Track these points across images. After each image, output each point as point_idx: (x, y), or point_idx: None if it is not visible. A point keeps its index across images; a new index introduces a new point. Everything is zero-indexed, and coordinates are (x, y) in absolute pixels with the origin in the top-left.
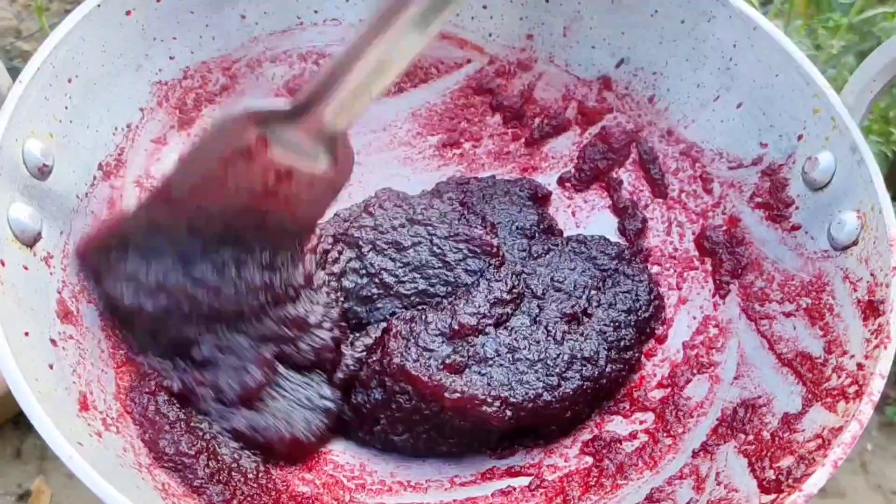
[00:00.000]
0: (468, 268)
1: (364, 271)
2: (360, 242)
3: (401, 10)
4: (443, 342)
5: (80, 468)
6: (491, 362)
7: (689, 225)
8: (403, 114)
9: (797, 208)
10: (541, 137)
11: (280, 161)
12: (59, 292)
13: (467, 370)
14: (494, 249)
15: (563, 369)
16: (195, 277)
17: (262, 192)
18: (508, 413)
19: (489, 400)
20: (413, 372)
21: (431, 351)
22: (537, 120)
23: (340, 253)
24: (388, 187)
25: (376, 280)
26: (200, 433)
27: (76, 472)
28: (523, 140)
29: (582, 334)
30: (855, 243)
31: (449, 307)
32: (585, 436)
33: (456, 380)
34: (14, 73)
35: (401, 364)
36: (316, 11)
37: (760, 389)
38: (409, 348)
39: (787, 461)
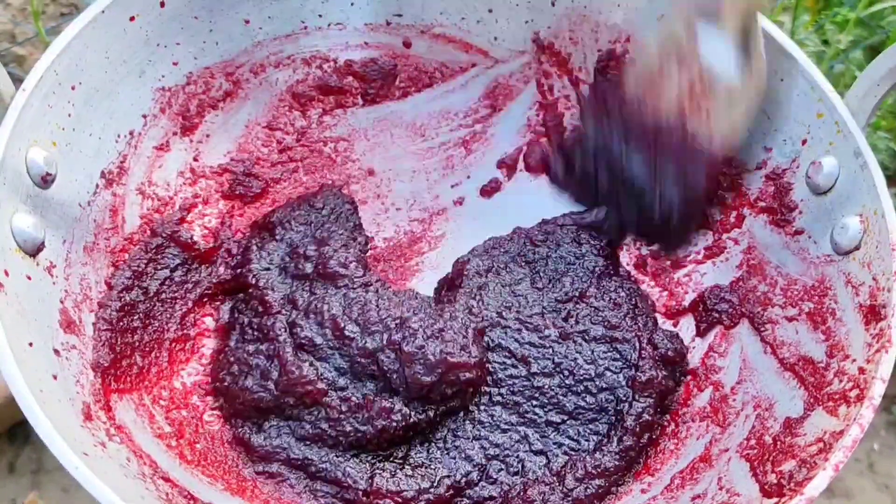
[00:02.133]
0: None
1: None
2: None
3: None
4: None
5: (87, 479)
6: None
7: None
8: (408, 117)
9: (801, 213)
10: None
11: (705, 64)
12: (62, 302)
13: None
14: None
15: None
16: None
17: (688, 103)
18: None
19: None
20: None
21: None
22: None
23: None
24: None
25: None
26: None
27: (83, 483)
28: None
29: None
30: (857, 248)
31: None
32: None
33: None
34: (9, 77)
35: None
36: (320, 15)
37: (763, 394)
38: None
39: (788, 465)
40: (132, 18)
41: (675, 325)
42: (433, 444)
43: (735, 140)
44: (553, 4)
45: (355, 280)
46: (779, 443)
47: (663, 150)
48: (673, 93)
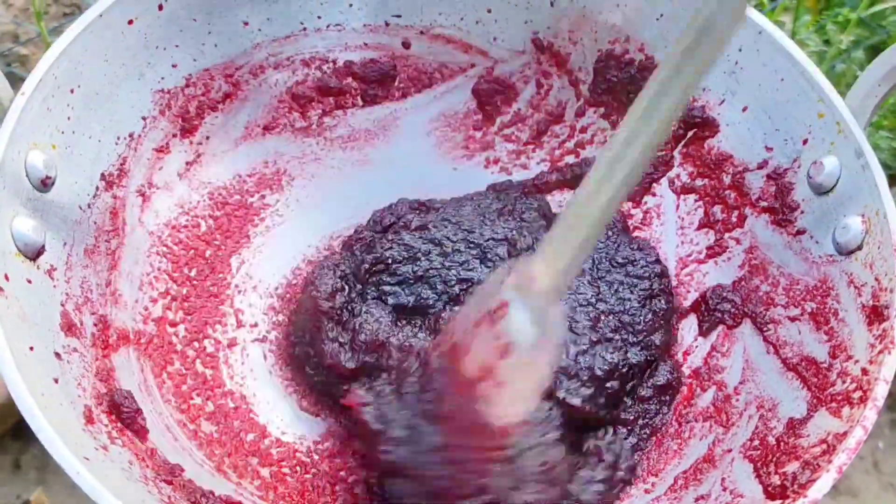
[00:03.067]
0: None
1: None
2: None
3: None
4: None
5: (88, 483)
6: None
7: None
8: (408, 118)
9: (802, 213)
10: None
11: (509, 331)
12: (63, 305)
13: None
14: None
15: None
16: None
17: (485, 367)
18: None
19: None
20: None
21: None
22: (546, 124)
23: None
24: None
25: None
26: None
27: (84, 488)
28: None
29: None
30: (859, 248)
31: None
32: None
33: None
34: (12, 77)
35: None
36: (319, 17)
37: (766, 394)
38: None
39: (792, 466)
40: (131, 21)
41: (677, 324)
42: None
43: (516, 419)
44: (552, 5)
45: None
46: (782, 444)
47: (451, 426)
48: (476, 362)
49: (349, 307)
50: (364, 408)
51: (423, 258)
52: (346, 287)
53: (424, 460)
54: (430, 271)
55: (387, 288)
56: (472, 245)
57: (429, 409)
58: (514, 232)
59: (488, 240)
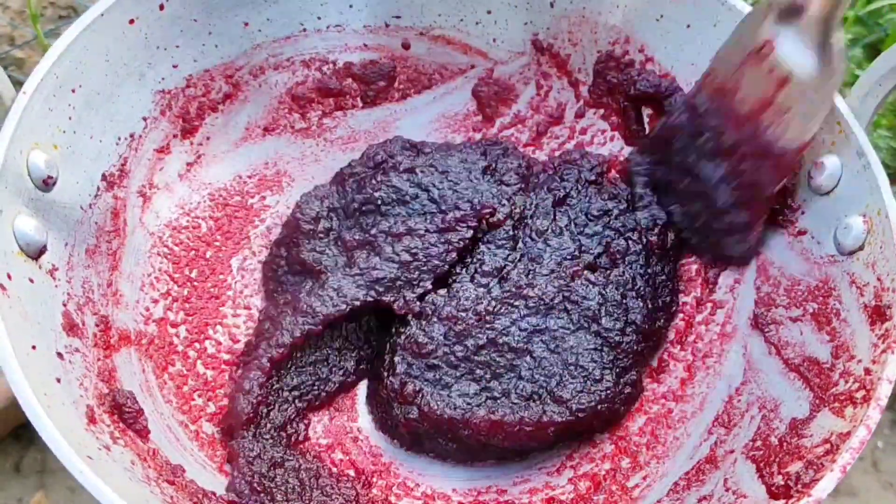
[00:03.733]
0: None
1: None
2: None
3: None
4: (459, 365)
5: (91, 483)
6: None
7: None
8: (407, 119)
9: (803, 213)
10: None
11: (782, 64)
12: (65, 305)
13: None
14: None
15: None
16: None
17: (763, 100)
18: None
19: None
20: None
21: (449, 387)
22: (546, 125)
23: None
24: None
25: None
26: None
27: (87, 487)
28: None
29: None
30: (861, 248)
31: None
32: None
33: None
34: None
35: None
36: (319, 18)
37: (768, 395)
38: (427, 395)
39: (795, 466)
40: (132, 21)
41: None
42: None
43: (810, 137)
44: (552, 6)
45: None
46: (785, 444)
47: (738, 155)
48: (750, 97)
49: (333, 236)
50: None
51: (411, 201)
52: (332, 218)
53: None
54: (416, 217)
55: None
56: (458, 195)
57: (709, 147)
58: (495, 199)
59: (467, 201)
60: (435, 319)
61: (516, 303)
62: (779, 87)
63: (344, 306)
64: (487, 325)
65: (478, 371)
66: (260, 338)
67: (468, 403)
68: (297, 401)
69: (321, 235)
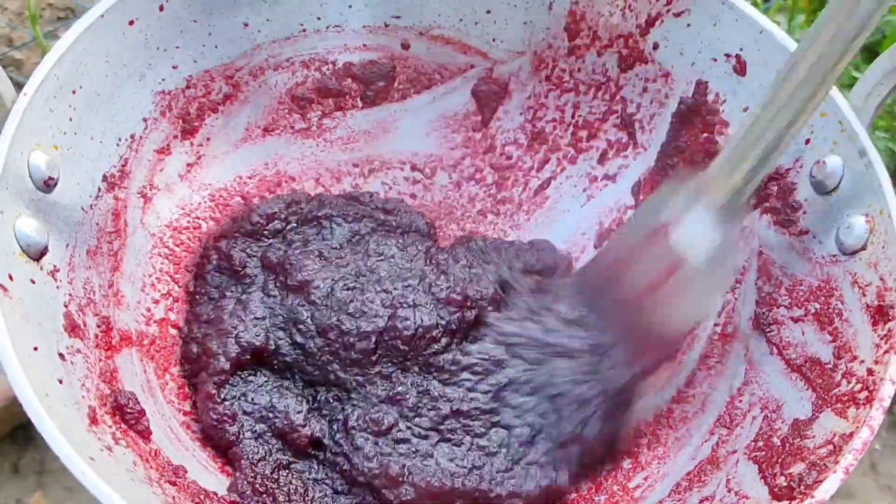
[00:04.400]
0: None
1: None
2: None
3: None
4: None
5: (94, 484)
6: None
7: None
8: (407, 119)
9: (805, 213)
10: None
11: (676, 249)
12: (66, 306)
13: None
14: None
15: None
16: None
17: (652, 284)
18: None
19: None
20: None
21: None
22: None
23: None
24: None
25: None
26: None
27: (89, 488)
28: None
29: None
30: (863, 248)
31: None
32: None
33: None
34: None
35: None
36: (319, 18)
37: (770, 395)
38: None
39: (798, 468)
40: (131, 22)
41: None
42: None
43: (698, 320)
44: (550, 8)
45: None
46: (787, 445)
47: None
48: (639, 279)
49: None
50: None
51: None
52: (290, 222)
53: None
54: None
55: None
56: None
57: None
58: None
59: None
60: (375, 400)
61: (462, 374)
62: (669, 272)
63: (267, 341)
64: (443, 398)
65: (454, 436)
66: (194, 364)
67: (463, 467)
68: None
69: (264, 235)
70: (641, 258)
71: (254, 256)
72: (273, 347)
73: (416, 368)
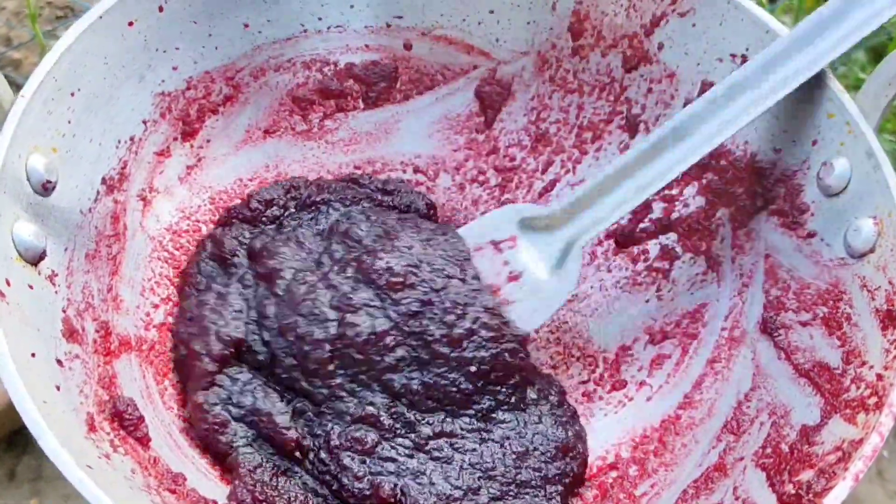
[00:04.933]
0: None
1: None
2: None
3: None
4: None
5: (91, 493)
6: None
7: None
8: (409, 120)
9: (812, 215)
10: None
11: (519, 261)
12: (64, 311)
13: None
14: None
15: None
16: None
17: (491, 288)
18: None
19: None
20: None
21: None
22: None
23: None
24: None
25: None
26: None
27: (87, 497)
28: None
29: None
30: (872, 251)
31: None
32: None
33: None
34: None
35: None
36: (320, 18)
37: (778, 401)
38: None
39: (806, 475)
40: (131, 23)
41: None
42: None
43: (530, 330)
44: (554, 8)
45: None
46: (796, 451)
47: None
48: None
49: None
50: None
51: None
52: (289, 209)
53: None
54: None
55: None
56: None
57: None
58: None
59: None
60: (348, 419)
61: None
62: (508, 280)
63: (246, 335)
64: (422, 422)
65: (441, 452)
66: (182, 371)
67: (458, 487)
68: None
69: (262, 222)
70: (483, 262)
71: (245, 244)
72: (249, 343)
73: (380, 389)
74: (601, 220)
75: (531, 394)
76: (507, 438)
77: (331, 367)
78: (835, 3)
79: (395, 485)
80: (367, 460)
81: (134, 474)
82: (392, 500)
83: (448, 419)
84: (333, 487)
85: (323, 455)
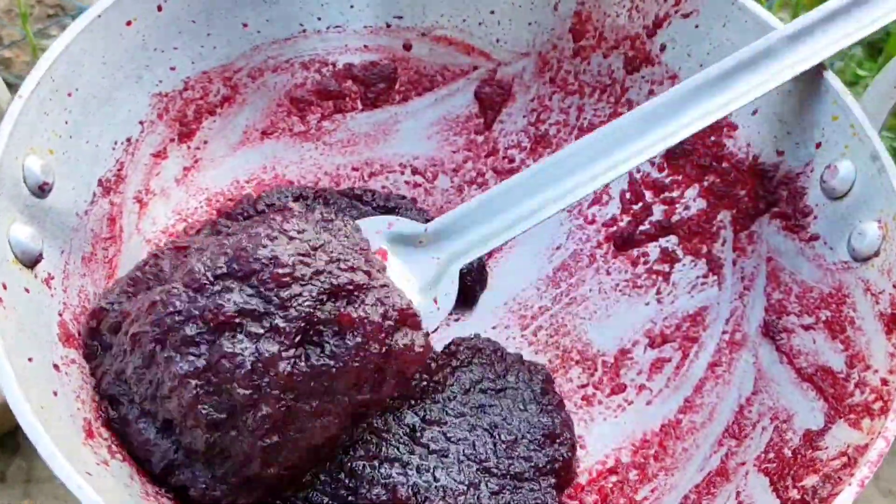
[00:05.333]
0: None
1: None
2: None
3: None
4: None
5: (91, 499)
6: None
7: None
8: (408, 121)
9: (815, 218)
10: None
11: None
12: (61, 314)
13: None
14: None
15: None
16: None
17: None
18: None
19: None
20: None
21: None
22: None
23: None
24: None
25: None
26: None
27: None
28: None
29: None
30: (876, 254)
31: None
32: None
33: None
34: None
35: None
36: (319, 18)
37: (780, 405)
38: None
39: (811, 480)
40: (129, 23)
41: None
42: None
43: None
44: (556, 8)
45: None
46: (799, 456)
47: None
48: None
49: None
50: None
51: None
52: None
53: None
54: None
55: None
56: None
57: None
58: None
59: None
60: None
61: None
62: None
63: None
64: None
65: (437, 444)
66: None
67: (461, 482)
68: None
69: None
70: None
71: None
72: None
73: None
74: (480, 244)
75: (510, 377)
76: (496, 427)
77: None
78: None
79: (413, 484)
80: (377, 464)
81: (132, 481)
82: (408, 501)
83: (425, 406)
84: (349, 500)
85: (330, 473)
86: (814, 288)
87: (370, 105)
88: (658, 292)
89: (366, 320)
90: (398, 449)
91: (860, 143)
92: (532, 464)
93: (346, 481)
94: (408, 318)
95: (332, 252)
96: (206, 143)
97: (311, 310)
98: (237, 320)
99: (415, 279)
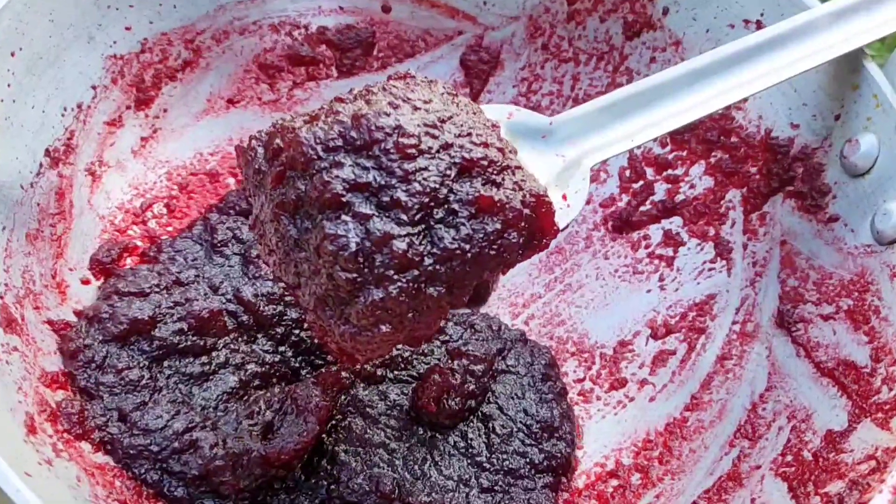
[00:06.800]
0: None
1: None
2: None
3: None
4: None
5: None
6: None
7: None
8: None
9: (834, 197)
10: None
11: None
12: (2, 297)
13: None
14: None
15: None
16: None
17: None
18: None
19: None
20: None
21: None
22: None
23: None
24: None
25: None
26: None
27: None
28: None
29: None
30: None
31: None
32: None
33: None
34: None
35: None
36: None
37: (798, 402)
38: None
39: (835, 486)
40: None
41: None
42: None
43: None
44: None
45: None
46: (821, 460)
47: None
48: None
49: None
50: None
51: None
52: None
53: None
54: None
55: None
56: None
57: None
58: None
59: None
60: None
61: None
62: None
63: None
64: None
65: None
66: None
67: (450, 478)
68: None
69: (322, 168)
70: None
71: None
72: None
73: None
74: (617, 142)
75: (509, 360)
76: (490, 418)
77: None
78: None
79: (395, 479)
80: (361, 451)
81: (79, 483)
82: (394, 495)
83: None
84: (333, 494)
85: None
86: (833, 274)
87: (346, 72)
88: (661, 279)
89: (507, 206)
90: (384, 433)
91: (884, 114)
92: (527, 460)
93: (330, 468)
94: (543, 207)
95: (461, 125)
96: (165, 111)
97: (438, 185)
98: (345, 199)
99: (537, 174)
